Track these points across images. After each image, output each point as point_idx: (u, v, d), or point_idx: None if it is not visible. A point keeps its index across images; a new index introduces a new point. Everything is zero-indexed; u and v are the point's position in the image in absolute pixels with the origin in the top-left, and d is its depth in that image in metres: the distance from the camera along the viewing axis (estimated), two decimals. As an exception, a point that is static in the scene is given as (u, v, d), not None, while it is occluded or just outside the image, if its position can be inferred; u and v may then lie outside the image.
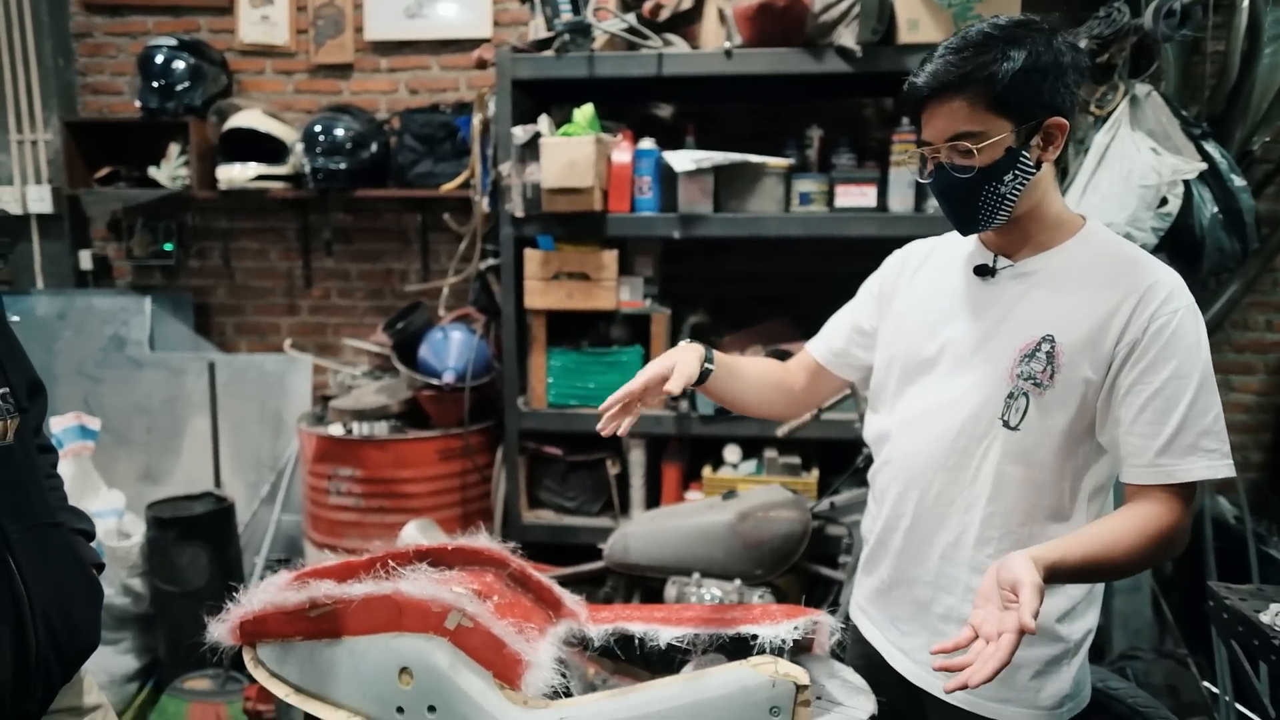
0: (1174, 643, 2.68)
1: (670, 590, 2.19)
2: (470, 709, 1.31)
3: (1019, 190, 1.30)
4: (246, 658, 1.52)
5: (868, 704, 1.40)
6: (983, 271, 1.41)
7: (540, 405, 2.72)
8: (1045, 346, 1.32)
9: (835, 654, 1.51)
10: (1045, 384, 1.32)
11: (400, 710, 1.36)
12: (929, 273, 1.51)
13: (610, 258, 2.60)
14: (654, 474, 2.81)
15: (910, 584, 1.46)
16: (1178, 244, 2.37)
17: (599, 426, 1.45)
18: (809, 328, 2.89)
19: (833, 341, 1.64)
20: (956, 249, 1.48)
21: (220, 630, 1.50)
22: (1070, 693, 1.39)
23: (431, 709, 1.33)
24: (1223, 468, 1.26)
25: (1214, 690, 2.39)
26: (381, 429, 2.73)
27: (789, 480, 2.60)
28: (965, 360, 1.40)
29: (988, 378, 1.37)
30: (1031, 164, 1.30)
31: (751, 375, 1.62)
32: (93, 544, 1.60)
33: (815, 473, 2.68)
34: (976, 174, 1.29)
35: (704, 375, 1.50)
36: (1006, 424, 1.34)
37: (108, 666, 2.94)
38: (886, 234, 1.53)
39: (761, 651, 1.40)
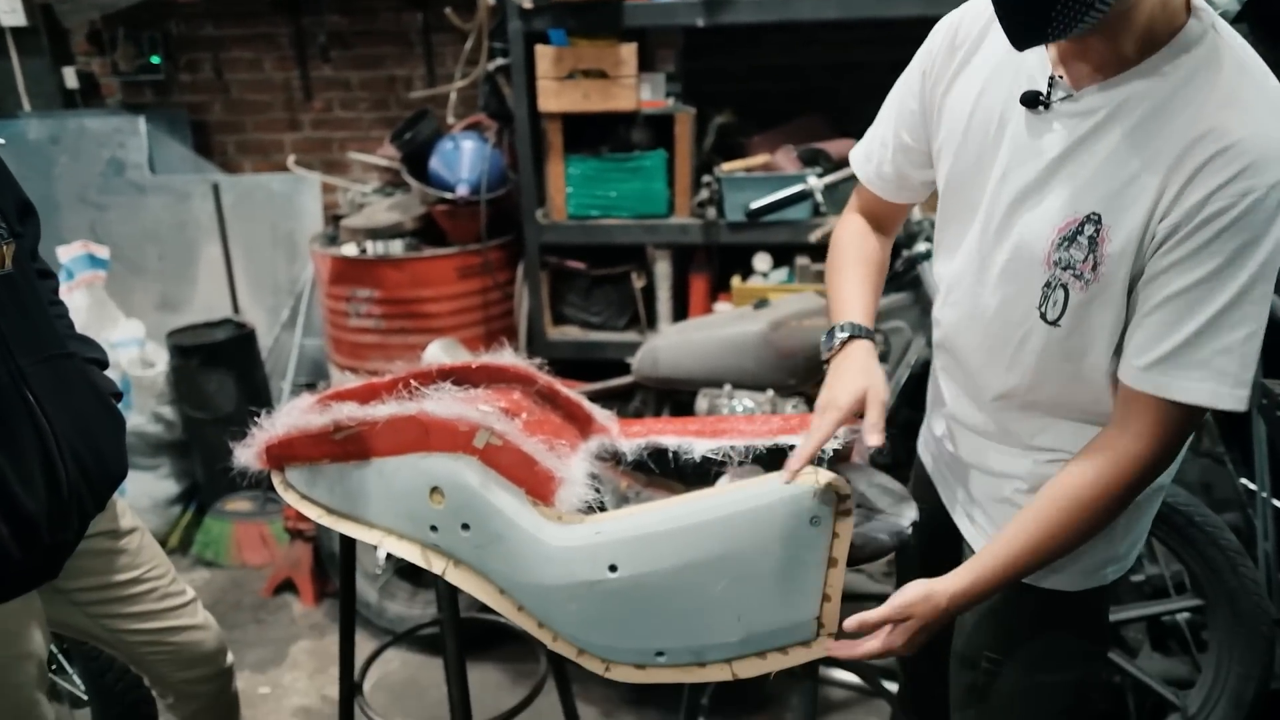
0: (1210, 441, 2.67)
1: (701, 402, 2.17)
2: (504, 526, 1.30)
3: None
4: (275, 481, 1.52)
5: (909, 511, 1.37)
6: (1031, 101, 1.08)
7: (560, 217, 2.62)
8: (1089, 229, 1.04)
9: (874, 461, 1.48)
10: (1086, 276, 1.05)
11: (434, 529, 1.36)
12: (983, 61, 1.16)
13: (629, 52, 2.41)
14: (681, 285, 2.74)
15: (956, 453, 1.36)
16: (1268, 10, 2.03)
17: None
18: (846, 125, 2.75)
19: (880, 165, 1.35)
20: None
21: (246, 455, 1.49)
22: (1114, 555, 1.24)
23: (465, 526, 1.33)
24: (1229, 398, 0.99)
25: (1250, 487, 2.39)
26: (397, 247, 2.66)
27: (822, 288, 2.52)
28: (1001, 221, 1.13)
29: (1023, 254, 1.11)
30: None
31: (878, 285, 1.39)
32: (106, 373, 1.58)
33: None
34: None
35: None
36: (1044, 317, 1.10)
37: (150, 491, 3.04)
38: (935, 12, 1.35)
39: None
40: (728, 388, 2.14)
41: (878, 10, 2.30)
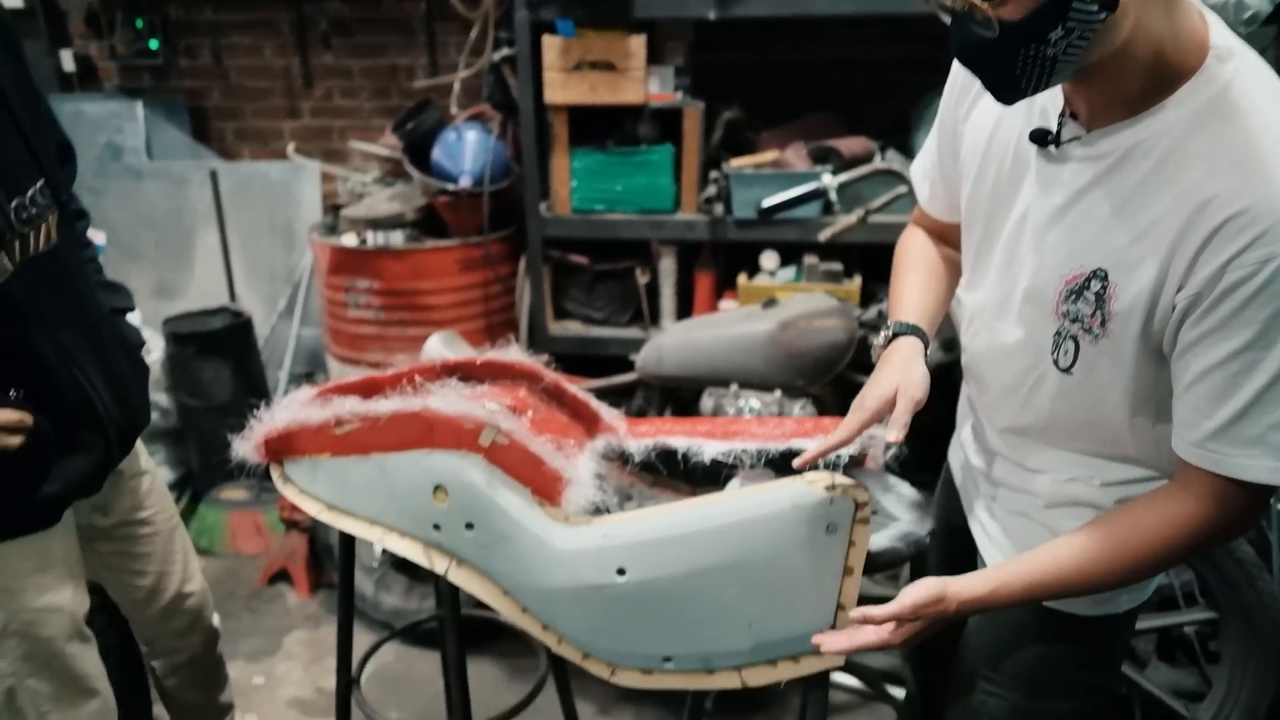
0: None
1: (707, 402, 2.14)
2: (509, 526, 1.26)
3: (1078, 48, 0.87)
4: (274, 475, 1.48)
5: (925, 519, 1.34)
6: (1040, 139, 1.02)
7: (564, 210, 2.58)
8: (1095, 285, 0.98)
9: (889, 468, 1.44)
10: (1095, 331, 1.00)
11: (437, 527, 1.32)
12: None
13: (638, 44, 2.36)
14: (686, 282, 2.70)
15: (977, 464, 1.31)
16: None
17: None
18: (856, 123, 2.71)
19: (934, 185, 1.29)
20: None
21: (245, 448, 1.46)
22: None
23: (469, 526, 1.29)
24: (1268, 473, 0.92)
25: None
26: (397, 238, 2.61)
27: (831, 288, 2.48)
28: (1020, 262, 1.08)
29: (1035, 300, 1.06)
30: (1093, 8, 0.84)
31: (943, 294, 1.32)
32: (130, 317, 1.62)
33: (858, 280, 2.55)
34: (1004, 32, 0.87)
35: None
36: (1057, 364, 1.06)
37: (143, 479, 2.99)
38: (951, 9, 1.32)
39: (814, 467, 1.33)
40: (734, 387, 2.10)
41: (892, 6, 2.26)
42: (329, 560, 2.67)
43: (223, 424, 2.95)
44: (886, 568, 1.28)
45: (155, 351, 2.95)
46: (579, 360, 2.73)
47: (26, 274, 1.29)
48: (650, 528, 1.23)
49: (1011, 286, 1.10)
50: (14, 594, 1.36)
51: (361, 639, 2.28)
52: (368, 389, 1.50)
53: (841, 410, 2.26)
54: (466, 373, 1.50)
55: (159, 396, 2.97)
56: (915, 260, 1.33)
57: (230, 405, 2.92)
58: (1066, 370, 1.05)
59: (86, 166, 3.32)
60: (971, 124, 1.15)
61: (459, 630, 1.44)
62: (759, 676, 1.26)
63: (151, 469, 1.67)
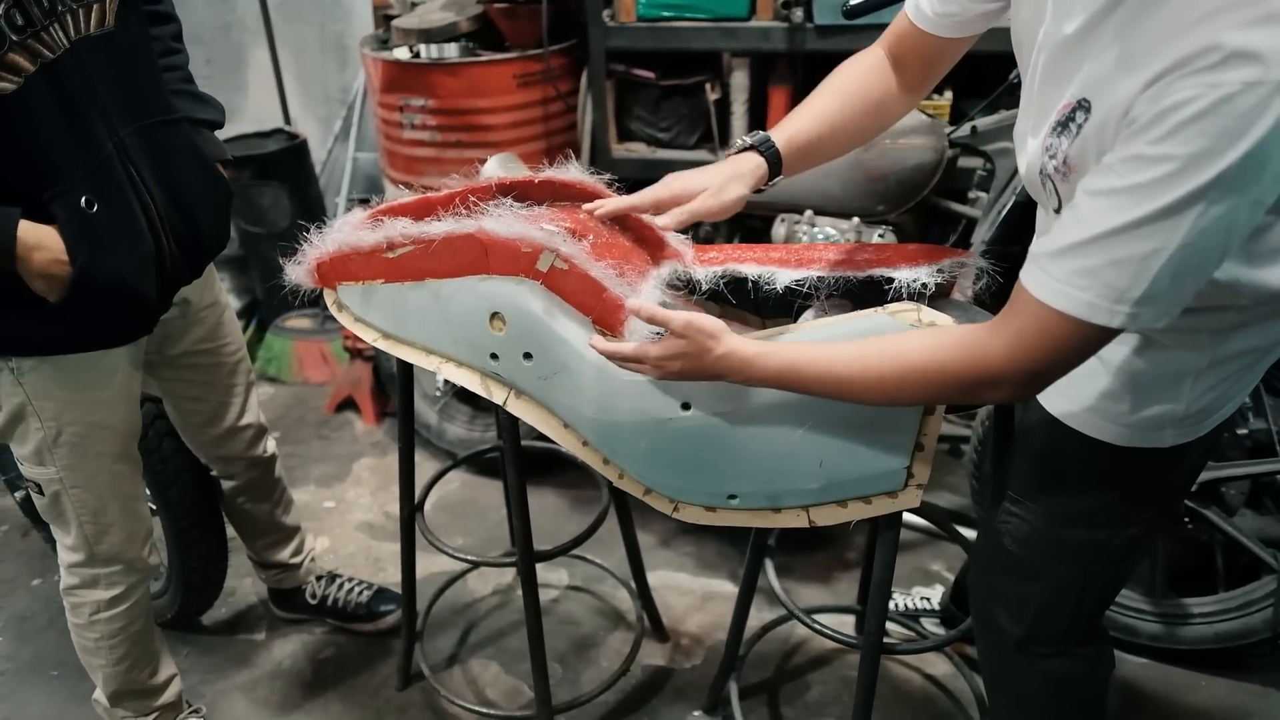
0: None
1: (779, 229, 2.03)
2: (569, 355, 1.22)
3: None
4: (328, 300, 1.45)
5: (1016, 354, 1.25)
6: None
7: (629, 18, 2.39)
8: (1079, 117, 0.88)
9: (979, 299, 1.34)
10: (1062, 169, 0.92)
11: (494, 356, 1.28)
12: None
13: None
14: (759, 99, 2.52)
15: None
16: None
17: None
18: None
19: None
20: None
21: (297, 272, 1.43)
22: (1175, 415, 1.04)
23: (527, 356, 1.25)
24: (1107, 313, 0.83)
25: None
26: (452, 51, 2.46)
27: (921, 105, 2.29)
28: (1031, 93, 1.00)
29: (1039, 136, 0.97)
30: None
31: (837, 127, 1.26)
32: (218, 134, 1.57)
33: (949, 95, 2.34)
34: None
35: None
36: (1053, 210, 0.97)
37: (210, 305, 3.04)
38: None
39: (897, 297, 1.24)
40: (808, 214, 1.98)
41: None
42: (393, 389, 2.70)
43: (284, 251, 2.97)
44: (968, 408, 1.21)
45: (212, 175, 2.92)
46: (643, 184, 2.61)
47: (79, 55, 1.25)
48: (718, 360, 1.16)
49: (1036, 116, 0.99)
50: (68, 405, 1.40)
51: (426, 467, 2.33)
52: (421, 210, 1.43)
53: (924, 239, 2.14)
54: (523, 193, 1.42)
55: (219, 221, 2.96)
56: (835, 85, 1.28)
57: (290, 232, 2.89)
58: (1057, 212, 0.95)
59: (128, -23, 3.21)
60: None
61: (519, 462, 1.43)
62: (827, 516, 1.23)
63: (224, 300, 1.66)
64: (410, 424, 1.58)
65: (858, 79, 1.26)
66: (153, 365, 1.58)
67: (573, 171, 1.41)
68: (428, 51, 2.46)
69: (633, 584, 1.99)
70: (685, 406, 1.19)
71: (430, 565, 2.14)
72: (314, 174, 3.05)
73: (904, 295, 1.21)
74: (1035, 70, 0.98)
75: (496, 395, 1.30)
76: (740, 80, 2.46)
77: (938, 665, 1.93)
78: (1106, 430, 1.07)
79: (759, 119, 2.53)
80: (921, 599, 2.03)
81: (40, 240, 1.24)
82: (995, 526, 1.21)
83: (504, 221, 1.23)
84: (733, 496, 1.24)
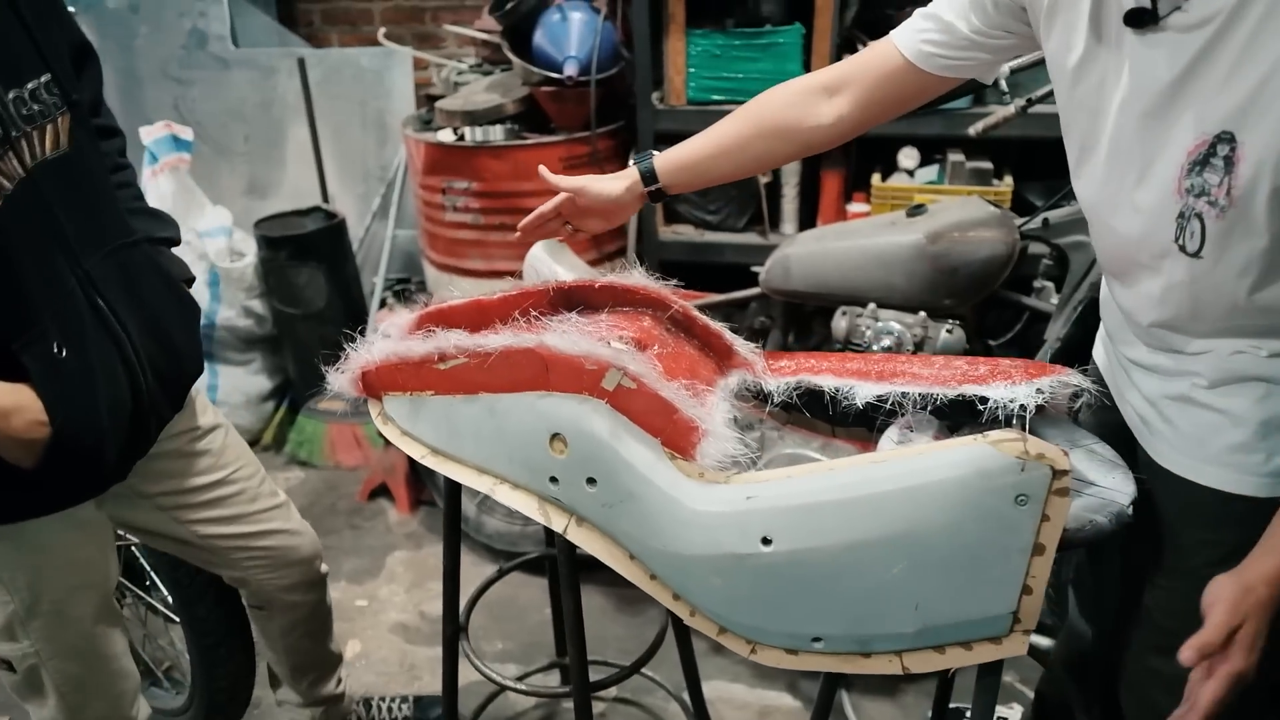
0: None
1: (839, 322, 1.95)
2: (636, 483, 1.13)
3: None
4: (373, 412, 1.38)
5: (1125, 483, 1.15)
6: (1138, 20, 0.94)
7: (678, 101, 2.36)
8: (1222, 150, 0.91)
9: (1077, 418, 1.25)
10: (1221, 203, 0.92)
11: (554, 480, 1.20)
12: None
13: (766, -96, 2.08)
14: (811, 182, 2.48)
15: (1124, 351, 1.22)
16: None
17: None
18: None
19: (953, 34, 1.17)
20: None
21: (341, 381, 1.36)
22: None
23: (591, 481, 1.17)
24: None
25: None
26: (497, 134, 2.44)
27: (979, 190, 2.23)
28: (1128, 150, 1.01)
29: (1153, 184, 0.99)
30: None
31: (728, 149, 1.32)
32: (184, 253, 1.48)
33: (1009, 180, 2.28)
34: None
35: (655, 196, 1.36)
36: (1184, 249, 0.99)
37: (242, 387, 3.00)
38: None
39: (993, 420, 1.15)
40: (871, 307, 1.90)
41: None
42: (429, 478, 2.63)
43: (318, 331, 2.93)
44: (1083, 545, 1.10)
45: (249, 255, 2.90)
46: (691, 268, 2.56)
47: (37, 182, 1.13)
48: (802, 490, 1.08)
49: (1121, 179, 1.03)
50: (42, 573, 1.28)
51: (464, 564, 2.24)
52: (473, 315, 1.37)
53: (988, 333, 2.05)
54: (582, 298, 1.36)
55: (253, 303, 2.93)
56: (742, 110, 1.32)
57: (325, 313, 2.87)
58: (1195, 255, 0.98)
59: (170, 56, 3.26)
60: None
61: (575, 582, 1.34)
62: (923, 663, 1.12)
63: (223, 421, 1.52)
64: (457, 541, 1.49)
65: (768, 105, 1.30)
66: (166, 508, 1.44)
67: (636, 276, 1.35)
68: (472, 134, 2.44)
69: (687, 698, 1.87)
70: (766, 541, 1.09)
71: (471, 673, 2.04)
72: (351, 252, 3.03)
73: (1000, 418, 1.13)
74: (1122, 131, 1.00)
75: (556, 523, 1.21)
76: (792, 163, 2.41)
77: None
78: (1244, 484, 1.05)
79: (811, 202, 2.48)
80: (999, 719, 1.90)
81: (18, 402, 1.10)
82: (1143, 607, 1.18)
83: (566, 336, 1.15)
84: (817, 639, 1.14)
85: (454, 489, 1.44)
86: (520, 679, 2.04)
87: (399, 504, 2.72)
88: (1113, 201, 1.06)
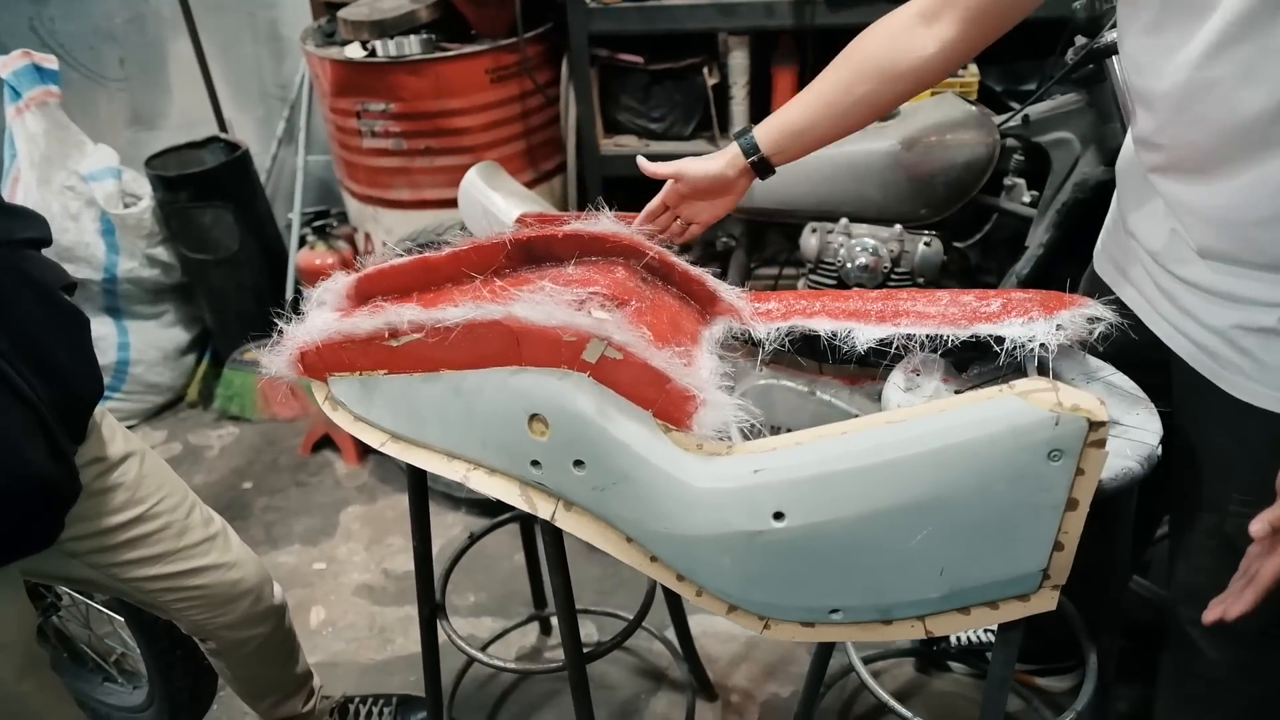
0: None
1: (810, 240, 1.84)
2: (631, 463, 1.03)
3: None
4: (318, 396, 1.25)
5: (1151, 420, 1.10)
6: None
7: (612, -1, 2.16)
8: None
9: (1093, 349, 1.17)
10: None
11: (536, 464, 1.09)
12: None
13: None
14: (762, 82, 2.32)
15: (1180, 274, 1.12)
16: None
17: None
18: None
19: None
20: None
21: (276, 362, 1.21)
22: None
23: (578, 464, 1.06)
24: None
25: None
26: (413, 46, 2.22)
27: (943, 83, 2.10)
28: (1249, 19, 0.88)
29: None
30: None
31: (836, 103, 1.19)
32: (47, 251, 1.20)
33: (974, 69, 2.16)
34: None
35: (760, 169, 1.23)
36: None
37: (156, 342, 2.78)
38: None
39: (1012, 362, 1.07)
40: (843, 222, 1.79)
41: None
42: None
43: (233, 277, 2.71)
44: (1115, 495, 1.05)
45: (144, 199, 2.64)
46: (638, 184, 2.40)
47: None
48: (816, 459, 0.99)
49: (1230, 56, 0.90)
50: None
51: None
52: (421, 276, 1.23)
53: (954, 234, 1.96)
54: (545, 250, 1.22)
55: (156, 250, 2.68)
56: (841, 58, 1.20)
57: (239, 256, 2.65)
58: None
59: (21, -27, 2.88)
60: None
61: (564, 567, 1.25)
62: (947, 625, 1.07)
63: (137, 448, 1.32)
64: (426, 528, 1.38)
65: (865, 48, 1.19)
66: (79, 554, 1.27)
67: (604, 223, 1.21)
68: (384, 48, 2.21)
69: (673, 639, 1.84)
70: (778, 516, 1.01)
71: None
72: (260, 186, 2.78)
73: (1018, 356, 1.06)
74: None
75: (542, 509, 1.11)
76: (739, 61, 2.26)
77: (1011, 702, 1.81)
78: None
79: (762, 103, 2.33)
80: (986, 629, 1.91)
81: None
82: (1215, 526, 1.16)
83: (538, 305, 1.03)
84: (835, 611, 1.08)
85: (419, 477, 1.32)
86: (500, 636, 1.98)
87: (346, 455, 2.58)
88: (1239, 79, 0.91)
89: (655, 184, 2.37)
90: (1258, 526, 0.92)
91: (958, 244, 2.01)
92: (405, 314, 1.09)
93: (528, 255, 1.23)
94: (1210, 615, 0.99)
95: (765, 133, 1.23)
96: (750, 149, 1.23)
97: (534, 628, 2.03)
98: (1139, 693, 1.79)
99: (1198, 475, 1.19)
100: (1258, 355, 1.05)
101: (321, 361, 1.20)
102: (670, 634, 1.84)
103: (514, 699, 1.88)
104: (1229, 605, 0.97)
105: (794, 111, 1.22)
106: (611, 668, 1.94)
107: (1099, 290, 1.28)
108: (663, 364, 1.01)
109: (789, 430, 1.04)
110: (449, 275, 1.23)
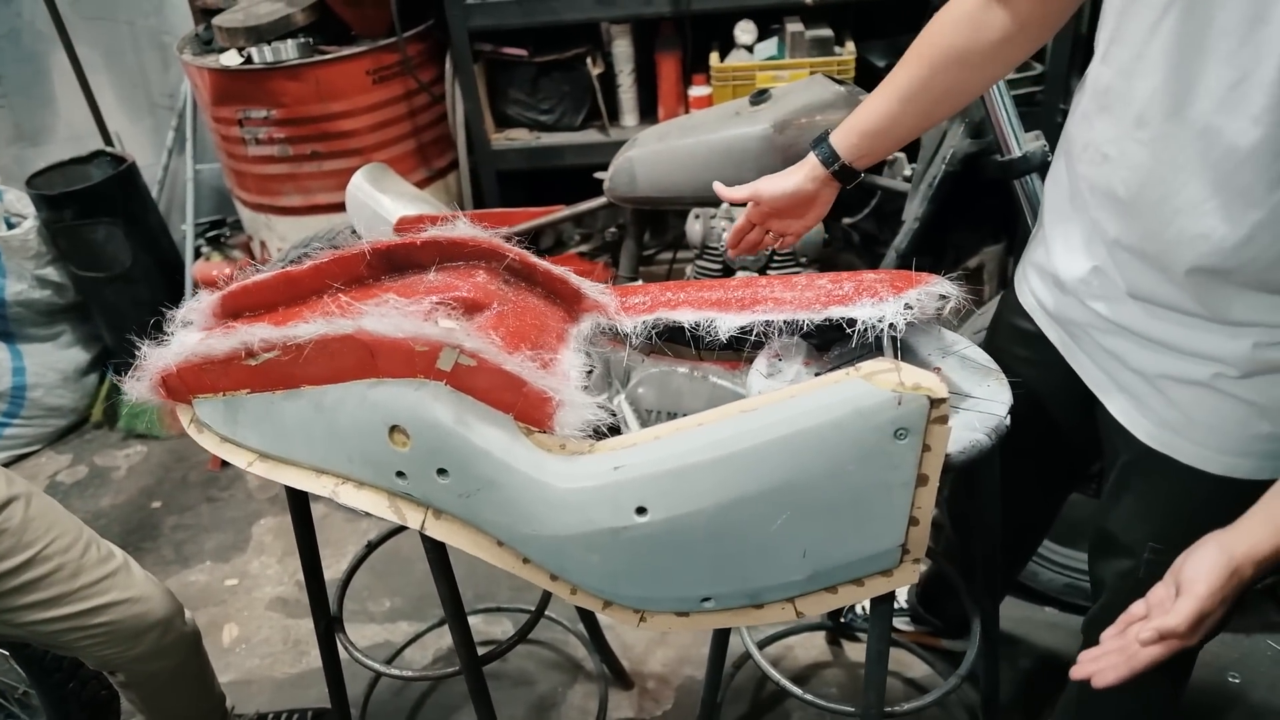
0: None
1: (694, 226, 1.85)
2: (494, 469, 1.03)
3: None
4: (182, 420, 1.21)
5: (1001, 390, 1.12)
6: None
7: (491, -7, 2.13)
8: None
9: (945, 321, 1.19)
10: None
11: (401, 475, 1.08)
12: None
13: None
14: (647, 68, 2.31)
15: (1114, 318, 1.06)
16: None
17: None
18: None
19: None
20: None
21: (138, 388, 1.17)
22: None
23: (442, 472, 1.05)
24: None
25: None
26: (290, 50, 2.16)
27: (821, 62, 2.12)
28: (1244, 33, 0.82)
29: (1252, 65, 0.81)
30: None
31: (912, 98, 1.14)
32: None
33: (851, 47, 2.18)
34: None
35: (844, 176, 1.22)
36: None
37: (53, 364, 2.69)
38: None
39: (863, 342, 1.09)
40: (725, 206, 1.80)
41: None
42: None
43: (128, 294, 2.62)
44: (964, 468, 1.07)
45: (29, 218, 2.54)
46: (530, 177, 2.39)
47: None
48: (672, 453, 1.00)
49: (1254, 65, 0.81)
50: None
51: (325, 514, 2.11)
52: (284, 290, 1.20)
53: (842, 210, 1.98)
54: (406, 258, 1.20)
55: (46, 271, 2.59)
56: (912, 52, 1.13)
57: (133, 272, 2.57)
58: None
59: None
60: None
61: (449, 574, 1.24)
62: (816, 605, 1.08)
63: (21, 490, 1.27)
64: (312, 540, 1.35)
65: (936, 37, 1.11)
66: None
67: (461, 227, 1.20)
68: (261, 54, 2.15)
69: (583, 629, 1.84)
70: (641, 511, 1.02)
71: (360, 638, 1.95)
72: (150, 199, 2.69)
73: (869, 335, 1.07)
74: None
75: (411, 519, 1.10)
76: (624, 49, 2.25)
77: (915, 667, 1.85)
78: (1264, 469, 0.99)
79: (649, 89, 2.33)
80: (890, 596, 1.95)
81: None
82: (1129, 570, 1.14)
83: (386, 317, 1.01)
84: (706, 599, 1.09)
85: (298, 497, 1.29)
86: (415, 640, 1.96)
87: (256, 468, 2.53)
88: (1222, 96, 0.84)
89: (550, 175, 2.33)
90: (1148, 635, 0.87)
91: (847, 219, 2.03)
92: (258, 333, 1.06)
93: (390, 264, 1.21)
94: (1078, 672, 0.93)
95: (843, 138, 1.19)
96: (829, 158, 1.21)
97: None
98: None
99: (1117, 514, 1.16)
100: (1188, 410, 1.01)
101: (184, 384, 1.17)
102: (583, 627, 1.85)
103: (431, 703, 1.87)
104: (1102, 671, 0.90)
105: (872, 113, 1.17)
106: (528, 662, 1.94)
107: (1018, 316, 1.23)
108: (516, 368, 1.00)
109: (686, 415, 1.04)
110: (312, 288, 1.21)
